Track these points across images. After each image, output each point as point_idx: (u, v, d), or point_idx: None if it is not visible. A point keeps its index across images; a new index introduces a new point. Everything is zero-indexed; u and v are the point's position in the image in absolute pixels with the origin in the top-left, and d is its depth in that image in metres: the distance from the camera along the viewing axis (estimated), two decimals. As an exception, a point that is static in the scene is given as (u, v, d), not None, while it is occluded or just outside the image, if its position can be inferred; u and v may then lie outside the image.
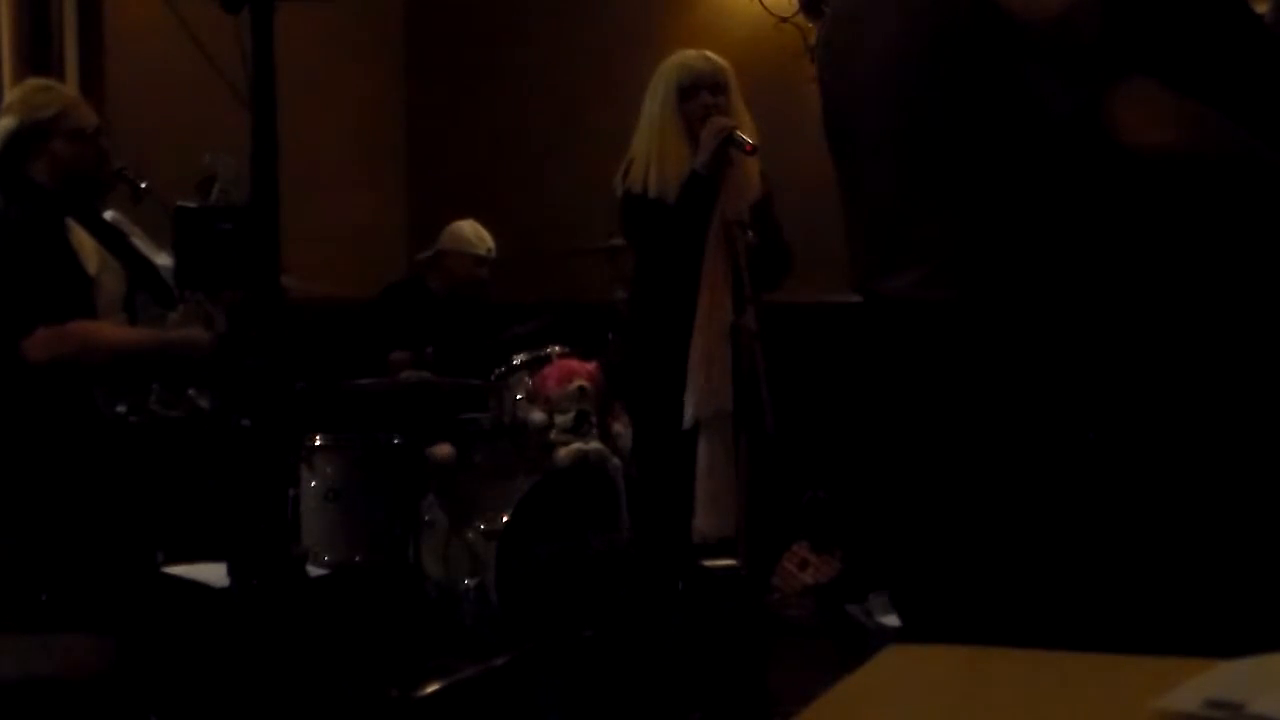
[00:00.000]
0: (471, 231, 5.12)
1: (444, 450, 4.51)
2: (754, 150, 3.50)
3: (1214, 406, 1.67)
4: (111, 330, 3.32)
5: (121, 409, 3.35)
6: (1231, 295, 1.70)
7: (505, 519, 4.00)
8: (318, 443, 4.03)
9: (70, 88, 4.05)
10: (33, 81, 3.63)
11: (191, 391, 3.40)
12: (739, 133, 3.50)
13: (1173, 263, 1.71)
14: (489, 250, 5.12)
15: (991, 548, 1.72)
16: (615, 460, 4.30)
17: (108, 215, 3.54)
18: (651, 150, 3.63)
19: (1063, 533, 1.67)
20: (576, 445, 4.27)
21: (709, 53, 3.72)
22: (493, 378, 4.51)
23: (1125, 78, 1.70)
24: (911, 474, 1.82)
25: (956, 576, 1.76)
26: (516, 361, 4.51)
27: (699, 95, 3.61)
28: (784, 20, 5.39)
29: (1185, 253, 1.71)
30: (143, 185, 3.53)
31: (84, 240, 3.36)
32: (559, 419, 4.35)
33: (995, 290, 1.75)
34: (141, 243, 3.53)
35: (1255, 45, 1.75)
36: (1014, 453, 1.71)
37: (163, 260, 3.46)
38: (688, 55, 3.70)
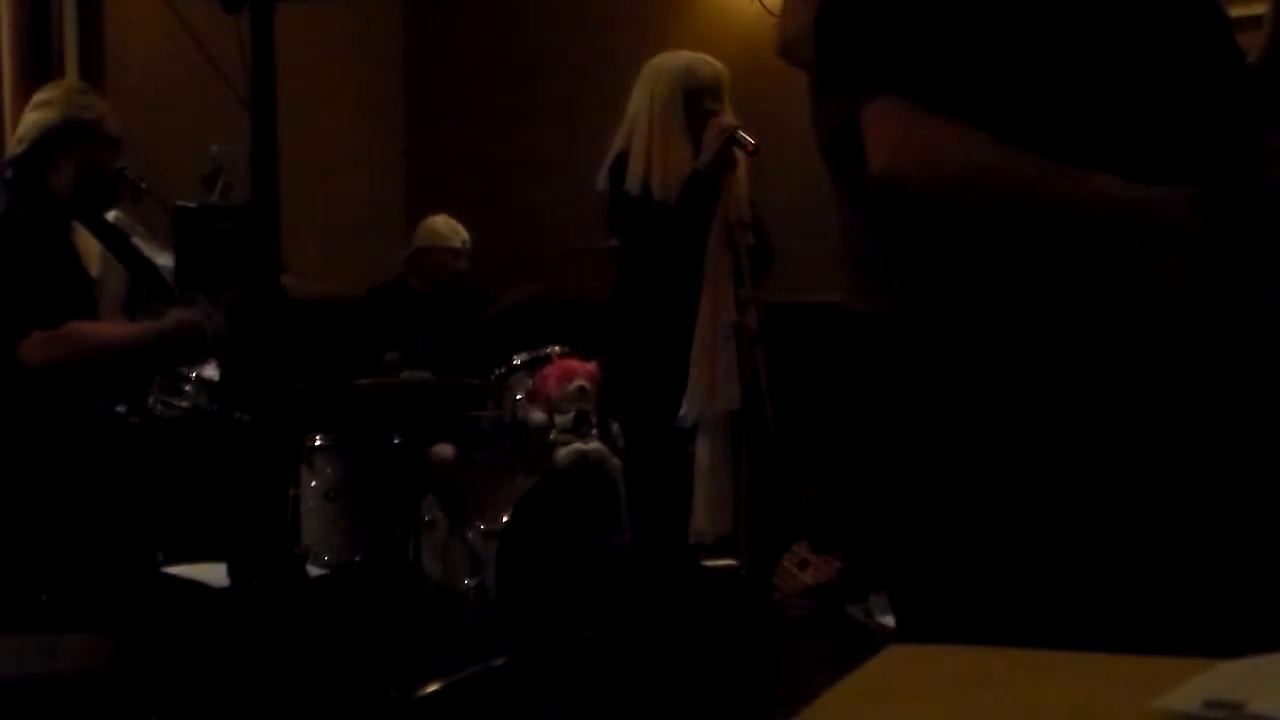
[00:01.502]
0: (444, 225, 5.16)
1: (445, 450, 4.51)
2: (756, 149, 3.50)
3: (1194, 406, 1.65)
4: (106, 329, 3.32)
5: (121, 409, 3.35)
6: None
7: (505, 519, 4.00)
8: (318, 443, 4.03)
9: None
10: (71, 82, 3.64)
11: (191, 391, 3.39)
12: (741, 132, 3.50)
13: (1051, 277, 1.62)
14: (464, 241, 5.15)
15: (985, 549, 1.71)
16: (615, 460, 4.30)
17: (110, 215, 3.54)
18: (653, 152, 3.62)
19: (1058, 533, 1.66)
20: (576, 445, 4.27)
21: (708, 57, 3.70)
22: (493, 378, 4.52)
23: (876, 97, 1.58)
24: (885, 480, 1.80)
25: (944, 580, 1.75)
26: (516, 361, 4.51)
27: (703, 101, 3.61)
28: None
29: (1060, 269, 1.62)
30: (142, 185, 3.53)
31: (88, 242, 3.36)
32: (559, 419, 4.35)
33: (924, 301, 1.71)
34: (144, 242, 3.54)
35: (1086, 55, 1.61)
36: (979, 459, 1.68)
37: (164, 260, 3.46)
38: (694, 60, 3.67)
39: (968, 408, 1.67)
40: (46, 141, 3.27)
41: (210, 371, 3.39)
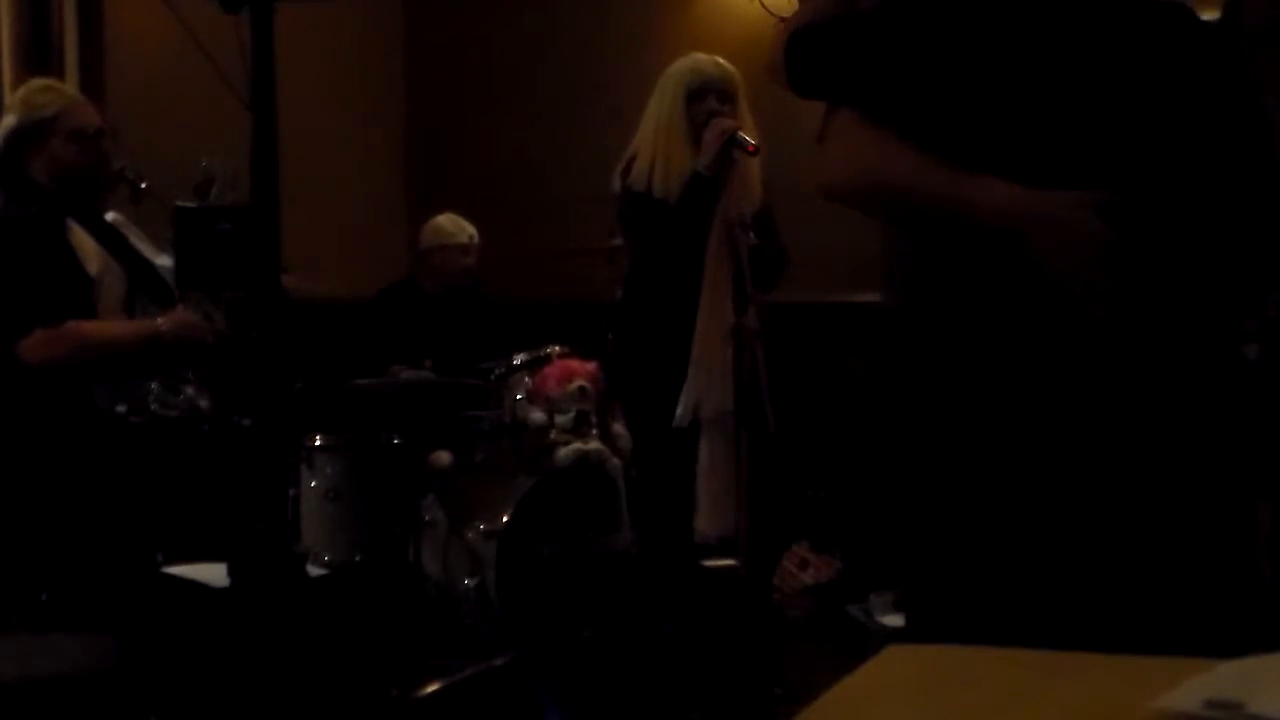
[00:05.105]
0: (449, 223, 5.15)
1: (443, 458, 4.50)
2: (756, 151, 3.51)
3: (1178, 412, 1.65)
4: (105, 327, 3.32)
5: (121, 409, 3.34)
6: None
7: (505, 519, 4.00)
8: (318, 443, 4.03)
9: (71, 88, 4.05)
10: (36, 81, 3.63)
11: (191, 391, 3.39)
12: (741, 133, 3.51)
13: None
14: (470, 237, 5.14)
15: (983, 548, 1.71)
16: (615, 460, 4.30)
17: (109, 216, 3.54)
18: (656, 150, 3.65)
19: (1055, 532, 1.66)
20: (576, 445, 4.27)
21: (720, 59, 3.73)
22: (493, 378, 4.52)
23: (838, 110, 1.68)
24: (911, 477, 1.82)
25: (952, 577, 1.75)
26: (516, 361, 4.51)
27: (706, 100, 3.63)
28: (784, 20, 5.37)
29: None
30: (143, 185, 3.53)
31: (85, 241, 3.36)
32: (559, 419, 4.34)
33: (930, 300, 1.74)
34: (142, 243, 3.54)
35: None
36: (1004, 456, 1.69)
37: (163, 261, 3.46)
38: (700, 60, 3.72)
39: (962, 404, 1.69)
40: (15, 146, 3.29)
41: (210, 372, 3.40)
